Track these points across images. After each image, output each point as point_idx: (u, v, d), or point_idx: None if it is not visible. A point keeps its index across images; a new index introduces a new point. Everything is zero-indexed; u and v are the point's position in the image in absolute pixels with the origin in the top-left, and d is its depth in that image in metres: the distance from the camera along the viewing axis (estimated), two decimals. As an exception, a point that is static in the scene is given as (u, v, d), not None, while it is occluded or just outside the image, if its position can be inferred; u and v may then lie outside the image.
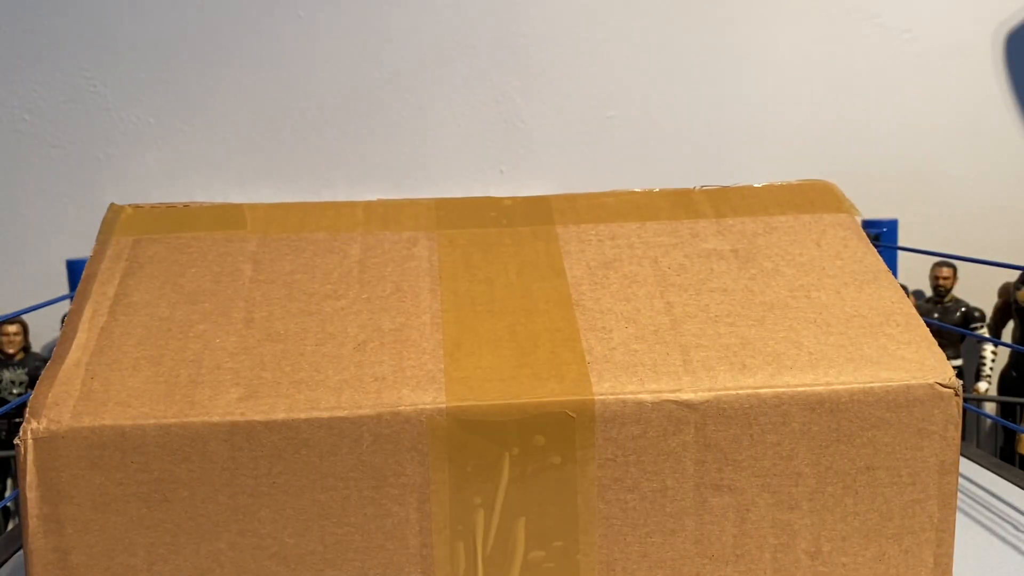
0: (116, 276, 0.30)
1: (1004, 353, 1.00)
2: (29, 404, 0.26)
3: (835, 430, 0.27)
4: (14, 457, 0.97)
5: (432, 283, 0.30)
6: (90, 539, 0.26)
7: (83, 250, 0.98)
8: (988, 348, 0.98)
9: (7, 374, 0.97)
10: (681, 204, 0.36)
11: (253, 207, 0.33)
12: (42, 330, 1.02)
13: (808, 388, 0.27)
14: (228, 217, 0.33)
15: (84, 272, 0.30)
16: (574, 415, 0.26)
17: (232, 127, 0.99)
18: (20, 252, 1.01)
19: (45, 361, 0.99)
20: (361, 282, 0.30)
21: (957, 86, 1.01)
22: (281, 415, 0.26)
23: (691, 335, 0.29)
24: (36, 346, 1.03)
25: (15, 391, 0.96)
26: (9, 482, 0.99)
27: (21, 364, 0.97)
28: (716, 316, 0.30)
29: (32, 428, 0.25)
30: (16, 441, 0.25)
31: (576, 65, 1.00)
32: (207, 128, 0.99)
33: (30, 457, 0.25)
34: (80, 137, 0.99)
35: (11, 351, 0.97)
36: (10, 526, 0.89)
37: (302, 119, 0.99)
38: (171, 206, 0.33)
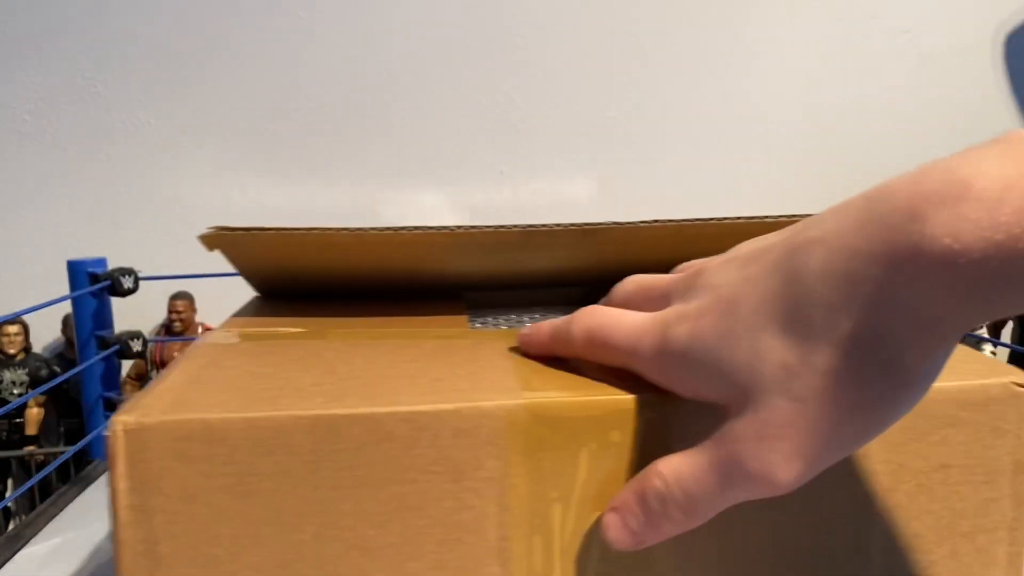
0: (208, 355, 0.32)
1: (1004, 353, 1.00)
2: (122, 404, 0.26)
3: (910, 428, 0.27)
4: (14, 458, 0.97)
5: (505, 357, 0.32)
6: (177, 530, 0.26)
7: (83, 250, 0.98)
8: (988, 348, 0.98)
9: (8, 374, 0.97)
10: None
11: (335, 321, 0.37)
12: (42, 330, 1.02)
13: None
14: (311, 330, 0.36)
15: (176, 359, 0.33)
16: (651, 413, 0.27)
17: (232, 128, 0.99)
18: (20, 252, 1.01)
19: (46, 361, 0.99)
20: (435, 357, 0.32)
21: (957, 86, 1.01)
22: (363, 409, 0.26)
23: None
24: (36, 346, 1.04)
25: (16, 391, 0.96)
26: (10, 482, 0.99)
27: (22, 364, 0.97)
28: None
29: (123, 420, 0.25)
30: (105, 433, 0.26)
31: (576, 65, 1.00)
32: (207, 129, 0.99)
33: (120, 448, 0.25)
34: (80, 138, 0.99)
35: (12, 351, 0.97)
36: (10, 526, 0.89)
37: (302, 119, 0.99)
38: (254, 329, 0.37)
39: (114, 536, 0.26)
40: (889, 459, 0.27)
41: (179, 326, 0.99)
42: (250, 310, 0.42)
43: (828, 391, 0.21)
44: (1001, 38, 1.04)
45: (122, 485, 0.25)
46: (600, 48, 1.01)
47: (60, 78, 0.98)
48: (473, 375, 0.29)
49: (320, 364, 0.31)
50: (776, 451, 0.22)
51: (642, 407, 0.26)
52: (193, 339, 1.02)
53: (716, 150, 1.02)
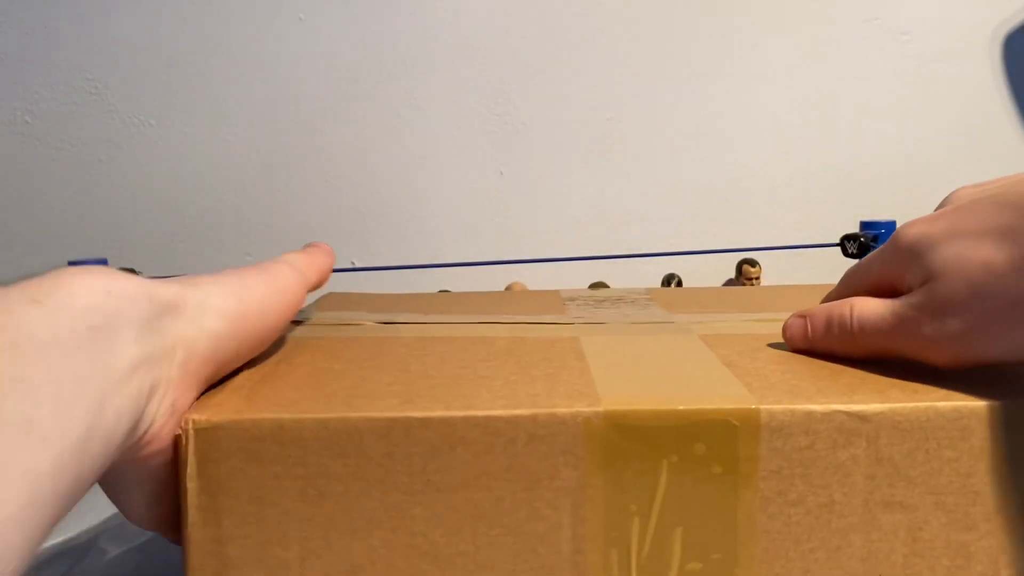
0: (279, 351, 0.33)
1: None
2: (193, 404, 0.26)
3: (1019, 448, 0.26)
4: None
5: (577, 357, 0.31)
6: (246, 531, 0.25)
7: (84, 251, 0.98)
8: None
9: (8, 375, 0.97)
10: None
11: (407, 326, 0.38)
12: (43, 331, 1.02)
13: (990, 402, 0.26)
14: (384, 328, 0.37)
15: None
16: (738, 424, 0.25)
17: (233, 129, 0.99)
18: (21, 253, 1.01)
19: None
20: (509, 355, 0.32)
21: (956, 87, 1.01)
22: (438, 412, 0.25)
23: (854, 376, 0.28)
24: (37, 347, 1.03)
25: (16, 392, 0.96)
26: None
27: (22, 365, 0.97)
28: (879, 365, 0.29)
29: (194, 419, 0.25)
30: (177, 431, 0.25)
31: (575, 66, 1.00)
32: (208, 130, 0.99)
33: (191, 447, 0.25)
34: (81, 139, 0.99)
35: (12, 352, 0.97)
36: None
37: (302, 121, 0.99)
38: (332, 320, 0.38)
39: (183, 535, 0.25)
40: (996, 480, 0.26)
41: (179, 326, 0.99)
42: (325, 303, 0.43)
43: None
44: (1000, 40, 1.04)
45: (192, 485, 0.25)
46: (599, 50, 1.01)
47: (62, 80, 0.98)
48: (549, 376, 0.28)
49: (394, 361, 0.30)
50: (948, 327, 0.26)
51: (729, 417, 0.25)
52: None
53: (714, 152, 1.02)
